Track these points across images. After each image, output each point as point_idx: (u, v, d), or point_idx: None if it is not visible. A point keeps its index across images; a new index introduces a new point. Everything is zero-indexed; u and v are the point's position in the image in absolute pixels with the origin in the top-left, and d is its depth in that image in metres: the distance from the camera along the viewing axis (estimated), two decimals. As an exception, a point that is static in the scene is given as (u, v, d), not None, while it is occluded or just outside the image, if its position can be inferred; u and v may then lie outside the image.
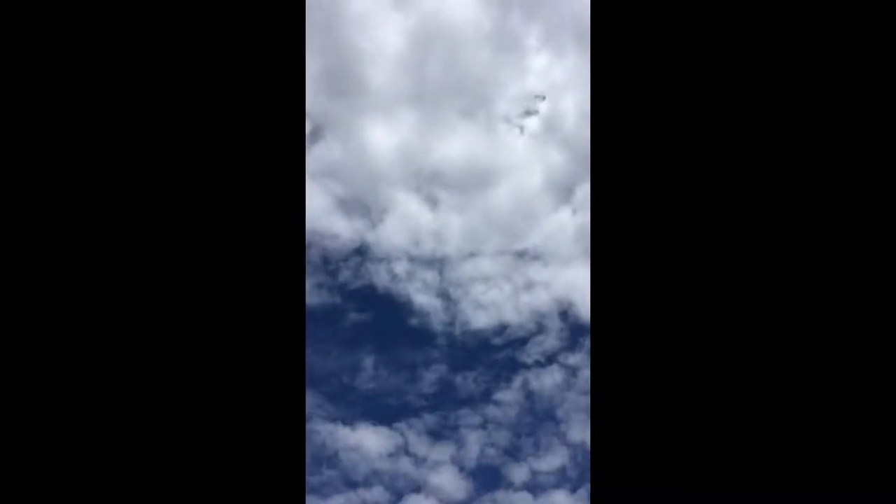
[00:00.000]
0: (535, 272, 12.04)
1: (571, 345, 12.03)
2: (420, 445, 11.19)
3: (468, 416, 11.45)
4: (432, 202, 12.17)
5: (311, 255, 11.54)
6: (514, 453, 11.39)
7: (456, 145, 12.06)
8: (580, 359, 12.09)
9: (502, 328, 11.79)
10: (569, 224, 12.12)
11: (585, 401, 12.12)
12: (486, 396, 11.67)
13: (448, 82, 12.22)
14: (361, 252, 11.88)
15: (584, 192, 12.49)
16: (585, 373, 12.08)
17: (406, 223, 12.00)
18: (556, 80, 12.29)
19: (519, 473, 11.14)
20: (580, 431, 11.65)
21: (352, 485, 10.68)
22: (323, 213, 11.83)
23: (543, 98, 12.28)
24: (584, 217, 12.42)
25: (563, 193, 12.20)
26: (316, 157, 11.93)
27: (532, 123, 12.58)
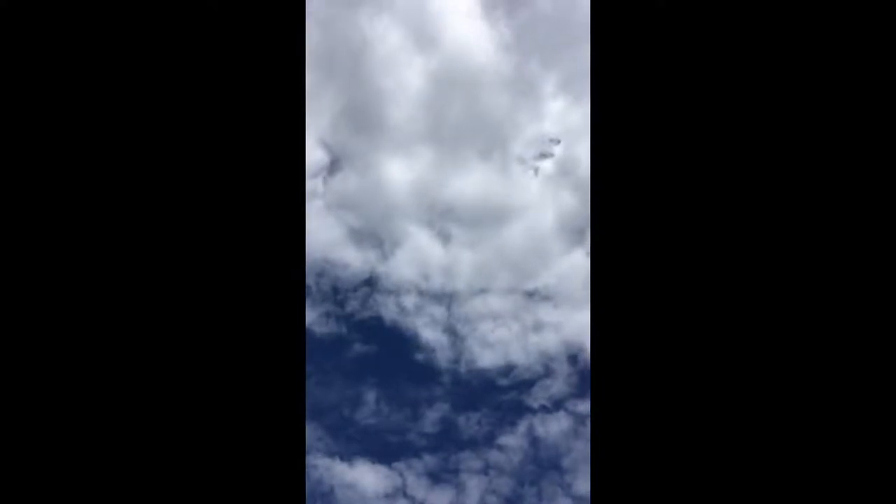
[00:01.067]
0: (545, 313, 11.88)
1: (580, 391, 11.68)
2: (419, 488, 10.78)
3: (470, 460, 11.06)
4: (444, 237, 12.25)
5: (321, 283, 11.60)
6: (515, 502, 10.90)
7: (470, 182, 12.24)
8: (589, 407, 11.67)
9: (509, 369, 11.54)
10: (581, 266, 12.02)
11: None
12: (489, 440, 11.29)
13: (466, 123, 12.54)
14: (371, 283, 11.90)
15: None
16: None
17: (417, 256, 12.05)
18: (571, 125, 12.53)
19: (520, 525, 10.61)
20: (585, 483, 11.12)
21: (345, 524, 10.28)
22: (336, 243, 11.97)
23: (558, 142, 12.50)
24: None
25: (577, 236, 12.18)
26: (332, 188, 12.21)
27: (547, 166, 12.75)
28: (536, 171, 12.45)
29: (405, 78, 12.66)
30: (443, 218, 12.24)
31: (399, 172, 12.38)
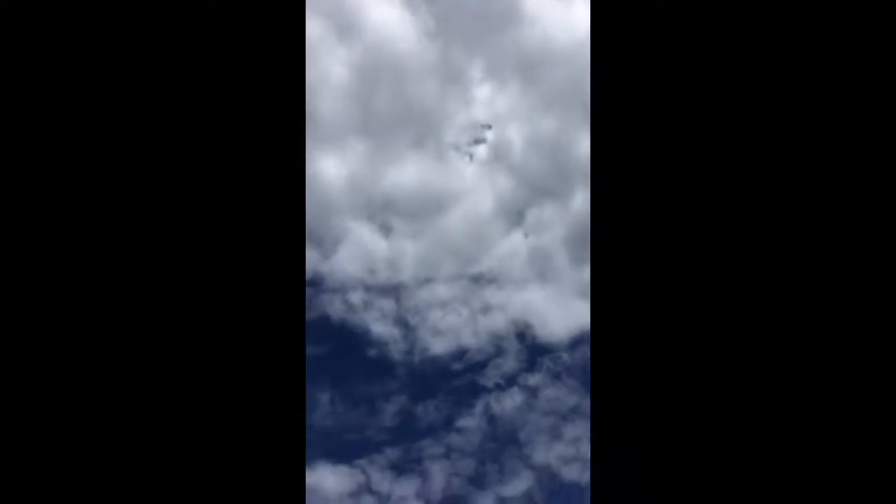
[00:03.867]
0: (491, 295, 12.17)
1: (530, 366, 12.13)
2: (383, 482, 10.82)
3: (431, 447, 11.23)
4: (386, 230, 12.17)
5: (263, 288, 11.18)
6: (479, 481, 11.22)
7: (407, 173, 12.20)
8: (539, 379, 12.18)
9: (461, 353, 11.76)
10: (521, 247, 12.39)
11: (547, 421, 12.15)
12: (448, 424, 11.51)
13: (396, 113, 12.43)
14: (315, 283, 11.63)
15: (534, 215, 12.87)
16: (546, 392, 12.15)
17: (360, 252, 11.91)
18: (501, 109, 12.76)
19: (485, 503, 10.95)
20: (543, 453, 11.64)
21: (313, 529, 10.14)
22: (273, 245, 11.54)
23: (490, 127, 12.69)
24: (537, 240, 12.76)
25: (515, 217, 12.51)
26: (264, 188, 11.72)
27: (481, 151, 12.94)
28: (471, 156, 12.61)
29: (329, 70, 12.33)
30: (382, 211, 12.14)
31: (333, 168, 12.10)
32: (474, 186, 12.52)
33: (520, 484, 11.22)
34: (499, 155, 12.74)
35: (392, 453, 11.02)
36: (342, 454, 10.88)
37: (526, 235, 12.62)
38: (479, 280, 12.16)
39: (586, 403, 12.83)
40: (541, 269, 12.18)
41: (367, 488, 10.74)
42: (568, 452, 11.66)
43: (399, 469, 10.93)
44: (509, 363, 11.98)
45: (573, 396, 12.45)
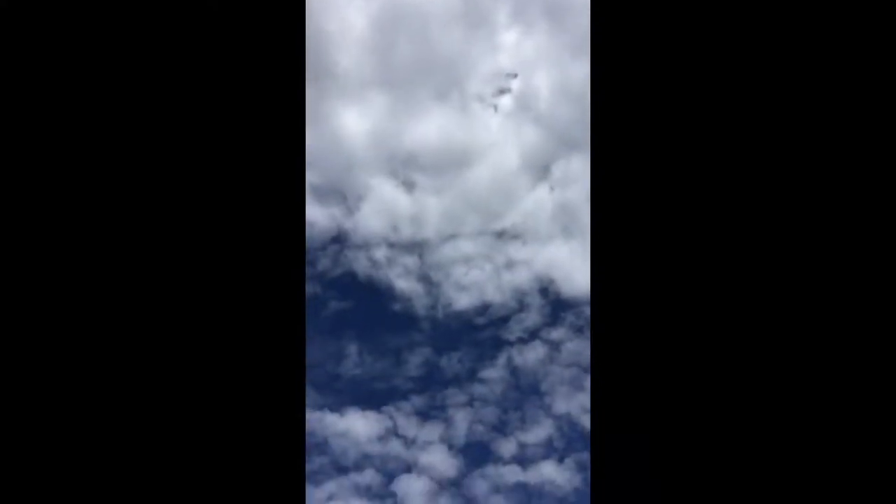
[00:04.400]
0: (515, 251, 12.13)
1: (553, 320, 12.23)
2: (409, 427, 11.36)
3: (455, 396, 11.64)
4: (409, 186, 12.10)
5: (289, 245, 11.42)
6: (501, 428, 11.66)
7: (430, 127, 11.94)
8: (562, 333, 12.31)
9: (485, 308, 11.92)
10: (546, 201, 12.17)
11: (569, 373, 12.39)
12: (471, 375, 11.86)
13: (418, 64, 12.02)
14: (339, 240, 11.80)
15: (560, 169, 12.54)
16: (568, 346, 12.32)
17: (383, 208, 11.92)
18: (527, 56, 12.18)
19: (507, 447, 11.42)
20: (564, 403, 11.94)
21: (343, 470, 10.84)
22: (298, 202, 11.63)
23: (515, 76, 12.17)
24: (562, 194, 12.49)
25: (540, 171, 12.22)
26: (287, 145, 11.69)
27: (506, 102, 12.49)
28: (496, 108, 12.21)
29: (347, 19, 11.90)
30: (405, 166, 12.01)
31: (354, 123, 11.92)
32: (499, 139, 12.21)
33: (541, 431, 11.63)
34: (525, 105, 12.30)
35: (417, 401, 11.50)
36: (370, 401, 11.40)
37: (552, 189, 12.36)
38: (503, 236, 12.10)
39: None
40: (565, 223, 12.01)
41: (394, 432, 11.32)
42: (587, 402, 11.92)
43: (424, 415, 11.43)
44: (532, 318, 12.10)
45: None
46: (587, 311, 12.87)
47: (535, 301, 12.00)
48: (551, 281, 12.11)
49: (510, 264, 12.07)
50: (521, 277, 12.01)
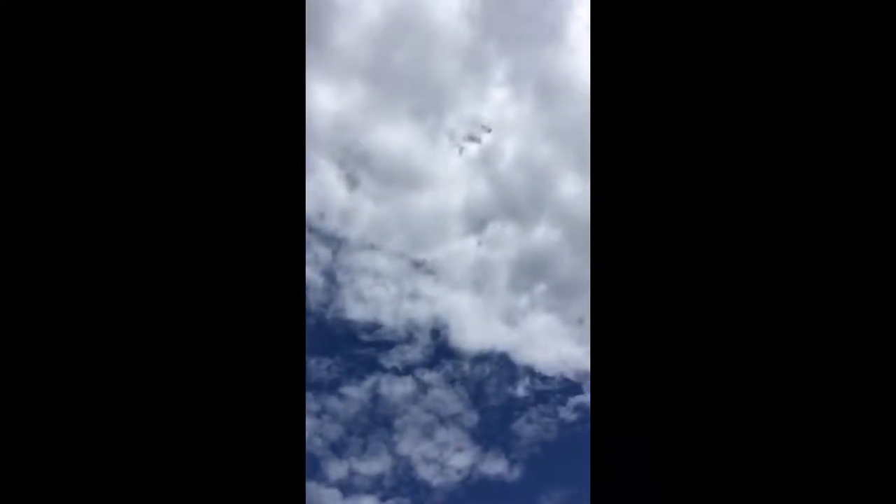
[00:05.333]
0: (425, 285, 12.19)
1: (431, 363, 12.30)
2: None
3: (308, 402, 11.16)
4: (352, 182, 11.88)
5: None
6: (339, 449, 11.32)
7: (395, 137, 11.93)
8: (435, 378, 12.39)
9: (374, 326, 11.75)
10: (471, 253, 12.48)
11: (425, 419, 12.40)
12: (333, 387, 11.50)
13: (408, 75, 12.09)
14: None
15: (494, 230, 12.99)
16: (435, 392, 12.39)
17: (319, 193, 11.56)
18: (507, 119, 12.72)
19: (337, 470, 11.07)
20: (409, 446, 11.88)
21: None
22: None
23: (489, 130, 12.63)
24: (487, 252, 12.90)
25: (476, 224, 12.57)
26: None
27: (472, 149, 12.86)
28: (461, 150, 12.50)
29: (361, 5, 11.79)
30: (356, 162, 11.82)
31: (326, 99, 11.62)
32: (453, 179, 12.45)
33: (375, 465, 11.42)
34: (487, 160, 12.73)
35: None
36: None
37: (479, 244, 12.72)
38: (419, 267, 12.15)
39: (468, 416, 13.20)
40: (479, 280, 12.35)
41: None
42: (431, 454, 11.98)
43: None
44: (414, 353, 12.10)
45: (457, 405, 12.77)
46: (466, 367, 13.15)
47: (424, 339, 12.05)
48: (445, 326, 12.27)
49: (415, 295, 12.10)
50: (420, 312, 12.06)
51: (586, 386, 12.88)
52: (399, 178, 12.10)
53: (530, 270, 13.84)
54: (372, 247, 11.88)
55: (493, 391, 13.41)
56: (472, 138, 12.85)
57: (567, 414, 13.12)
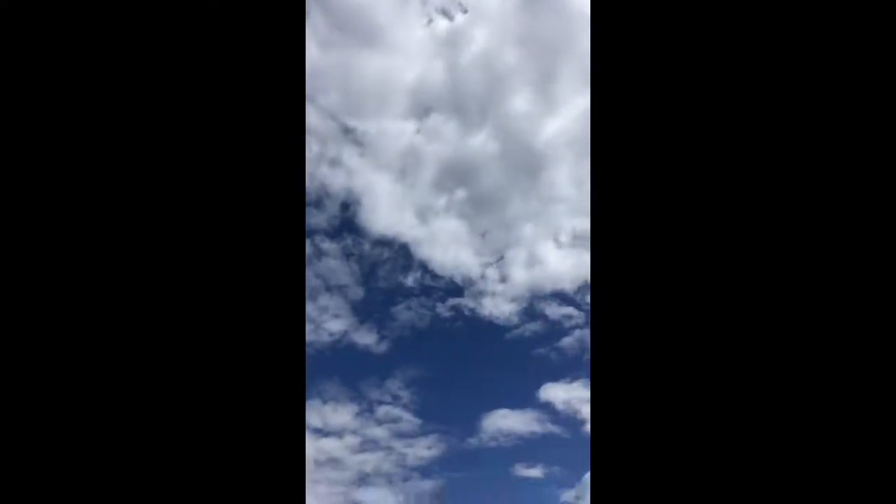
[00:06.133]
0: (349, 155, 13.82)
1: (335, 233, 14.42)
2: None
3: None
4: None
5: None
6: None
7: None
8: (333, 248, 14.36)
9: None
10: (406, 138, 13.96)
11: (315, 282, 14.07)
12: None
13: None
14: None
15: (436, 122, 13.94)
16: (330, 262, 14.53)
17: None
18: (487, 7, 12.46)
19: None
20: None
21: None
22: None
23: (466, 12, 12.48)
24: (423, 142, 13.98)
25: (420, 110, 14.06)
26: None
27: (441, 25, 13.08)
28: (430, 22, 13.67)
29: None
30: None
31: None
32: (411, 51, 12.68)
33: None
34: (453, 42, 12.96)
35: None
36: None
37: (417, 132, 14.04)
38: (348, 133, 13.53)
39: (354, 290, 14.56)
40: (406, 168, 13.64)
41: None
42: (310, 314, 13.21)
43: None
44: (319, 220, 13.93)
45: (347, 278, 14.58)
46: (367, 245, 14.40)
47: (333, 208, 13.30)
48: (357, 202, 14.22)
49: (335, 162, 13.20)
50: (336, 180, 13.44)
51: (468, 290, 14.71)
52: (354, 29, 11.64)
53: (457, 174, 14.51)
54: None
55: (384, 275, 14.66)
56: (446, 14, 12.39)
57: (443, 311, 14.59)
